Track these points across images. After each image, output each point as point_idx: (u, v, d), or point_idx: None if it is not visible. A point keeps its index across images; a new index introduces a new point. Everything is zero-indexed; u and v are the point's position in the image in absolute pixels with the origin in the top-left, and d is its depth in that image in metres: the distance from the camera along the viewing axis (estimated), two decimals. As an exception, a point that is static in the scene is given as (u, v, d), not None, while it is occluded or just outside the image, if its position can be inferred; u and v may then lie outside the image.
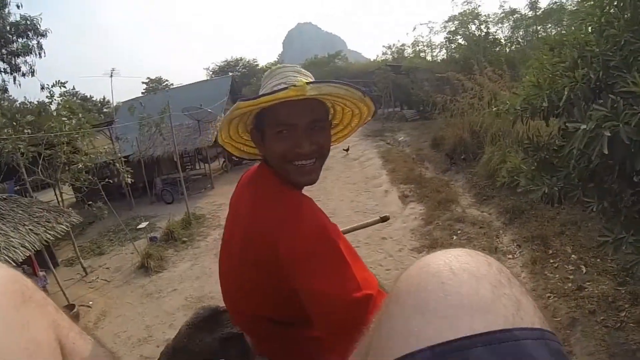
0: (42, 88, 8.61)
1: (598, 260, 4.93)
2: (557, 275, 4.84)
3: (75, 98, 45.10)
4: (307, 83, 0.95)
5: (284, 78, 1.05)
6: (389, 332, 0.37)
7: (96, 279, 8.01)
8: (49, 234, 6.13)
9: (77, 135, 8.09)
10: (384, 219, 2.16)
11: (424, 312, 0.35)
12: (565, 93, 2.57)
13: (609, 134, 2.07)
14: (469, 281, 0.36)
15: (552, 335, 0.34)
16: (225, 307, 1.33)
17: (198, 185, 14.01)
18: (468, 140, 10.36)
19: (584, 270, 4.81)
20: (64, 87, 8.29)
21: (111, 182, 8.93)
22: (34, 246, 5.75)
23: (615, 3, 2.63)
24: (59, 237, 6.68)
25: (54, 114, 7.52)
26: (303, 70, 1.12)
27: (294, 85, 0.93)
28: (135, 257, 8.36)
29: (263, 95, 0.95)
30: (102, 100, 43.85)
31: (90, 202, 8.28)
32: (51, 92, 8.46)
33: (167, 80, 43.96)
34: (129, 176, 8.41)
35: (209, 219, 10.08)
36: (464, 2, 19.17)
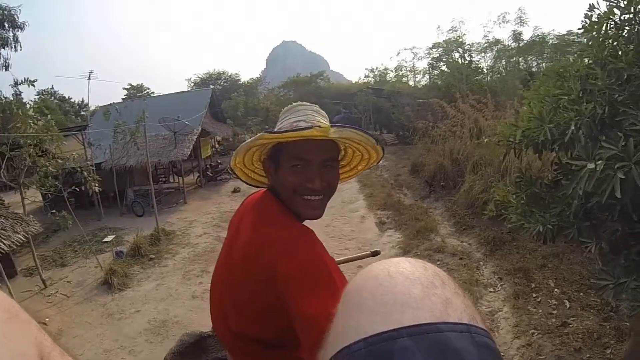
0: (16, 84, 8.04)
1: (581, 294, 4.88)
2: (541, 310, 4.76)
3: (53, 98, 44.10)
4: (331, 126, 1.03)
5: (304, 116, 1.12)
6: (333, 330, 0.40)
7: (55, 293, 7.50)
8: (3, 243, 5.67)
9: (44, 138, 7.61)
10: (375, 254, 2.16)
11: (361, 309, 0.37)
12: (572, 127, 2.40)
13: (622, 176, 1.91)
14: (403, 282, 0.38)
15: (481, 331, 0.36)
16: (209, 333, 1.37)
17: (170, 199, 13.55)
18: (448, 168, 10.30)
19: (568, 305, 4.74)
20: (33, 85, 7.81)
21: (77, 189, 8.38)
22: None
23: (619, 35, 2.51)
24: (14, 247, 6.18)
25: (20, 113, 7.01)
26: (321, 110, 1.19)
27: (319, 127, 1.00)
28: (99, 271, 7.89)
29: (289, 131, 1.02)
30: (80, 102, 42.85)
31: (54, 211, 7.78)
32: (17, 91, 7.99)
33: (148, 89, 43.27)
34: (97, 185, 7.89)
35: (179, 236, 9.66)
36: (450, 30, 19.43)
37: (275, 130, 1.12)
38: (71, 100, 43.78)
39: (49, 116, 8.08)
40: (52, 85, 46.10)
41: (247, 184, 1.37)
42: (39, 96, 43.66)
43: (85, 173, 7.68)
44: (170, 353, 1.36)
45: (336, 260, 1.78)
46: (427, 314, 0.35)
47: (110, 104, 14.95)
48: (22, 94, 8.09)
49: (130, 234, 9.70)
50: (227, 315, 1.19)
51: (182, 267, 7.74)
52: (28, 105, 7.32)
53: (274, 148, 1.14)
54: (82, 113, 21.18)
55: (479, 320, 0.37)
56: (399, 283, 0.38)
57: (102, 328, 6.13)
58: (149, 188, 10.87)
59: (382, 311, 0.36)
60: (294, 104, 1.22)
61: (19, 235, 6.09)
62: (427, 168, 11.25)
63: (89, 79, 11.95)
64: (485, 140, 3.73)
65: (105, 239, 9.41)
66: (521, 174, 3.51)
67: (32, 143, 7.53)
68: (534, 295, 5.12)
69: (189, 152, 13.52)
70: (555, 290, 5.12)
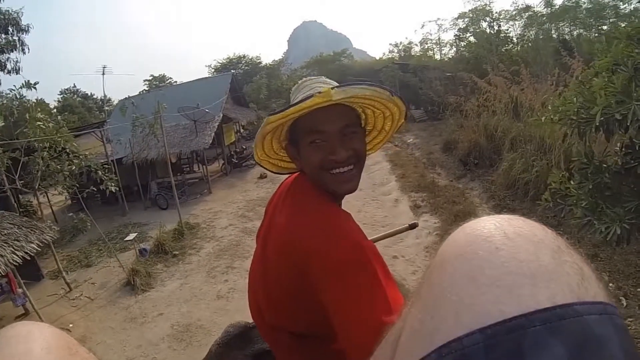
0: (23, 86, 7.74)
1: (638, 289, 4.45)
2: (595, 310, 4.22)
3: (75, 96, 44.70)
4: (332, 88, 0.93)
5: (310, 90, 1.05)
6: (433, 304, 0.33)
7: (80, 296, 7.29)
8: (17, 254, 5.41)
9: (58, 140, 7.32)
10: (413, 226, 1.98)
11: (477, 281, 0.30)
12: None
13: None
14: (527, 246, 0.31)
15: (614, 309, 0.31)
16: (254, 324, 1.32)
17: (195, 189, 13.23)
18: (484, 145, 9.71)
19: (625, 303, 4.29)
20: (35, 88, 7.48)
21: (95, 190, 8.04)
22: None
23: None
24: (29, 257, 5.91)
25: (27, 117, 6.74)
26: (329, 80, 1.12)
27: (319, 92, 0.92)
28: (122, 271, 7.63)
29: (290, 105, 0.95)
30: (102, 98, 43.16)
31: (71, 214, 7.55)
32: (19, 95, 7.68)
33: (170, 78, 42.96)
34: (113, 184, 7.54)
35: (204, 229, 9.31)
36: (476, -3, 18.48)
37: None
38: (94, 96, 44.20)
39: (59, 117, 7.77)
40: (74, 84, 46.70)
41: (279, 173, 1.30)
42: (61, 95, 44.50)
43: (100, 172, 7.29)
44: (215, 344, 1.33)
45: (373, 237, 1.68)
46: (566, 289, 0.29)
47: (126, 98, 14.75)
48: (20, 98, 7.80)
49: (154, 229, 9.46)
50: (260, 306, 1.15)
51: (206, 263, 7.41)
52: (32, 110, 6.91)
53: (291, 130, 1.09)
54: (106, 108, 21.13)
55: (607, 292, 0.31)
56: (522, 247, 0.31)
57: (125, 334, 5.87)
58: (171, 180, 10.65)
59: (507, 284, 0.29)
60: (300, 81, 1.16)
61: (32, 245, 5.81)
62: (461, 145, 10.67)
63: (103, 74, 11.75)
64: (543, 119, 3.14)
65: (127, 237, 9.16)
66: (586, 159, 2.95)
67: (45, 146, 7.29)
68: None
69: (211, 140, 13.13)
70: (610, 285, 4.63)
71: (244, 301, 5.72)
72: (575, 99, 2.93)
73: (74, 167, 7.64)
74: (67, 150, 7.81)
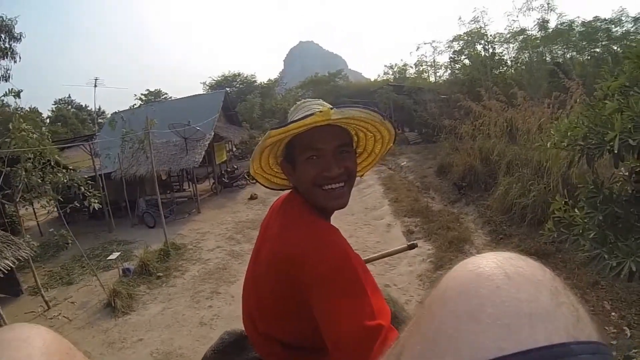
0: (13, 95, 7.50)
1: None
2: (599, 342, 4.03)
3: (69, 107, 44.47)
4: (331, 108, 1.02)
5: (308, 110, 1.09)
6: (434, 337, 0.34)
7: (58, 316, 6.92)
8: (-12, 272, 5.12)
9: (42, 151, 7.05)
10: (412, 247, 2.01)
11: (478, 319, 0.31)
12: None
13: None
14: (526, 287, 0.33)
15: (607, 349, 0.32)
16: None
17: (184, 208, 12.93)
18: (479, 169, 9.53)
19: (628, 334, 4.09)
20: (18, 97, 7.27)
21: (78, 205, 7.68)
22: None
23: None
24: (3, 273, 5.61)
25: (10, 127, 6.49)
26: (325, 103, 1.15)
27: (320, 111, 1.00)
28: (104, 291, 7.27)
29: (292, 122, 1.01)
30: (97, 110, 42.94)
31: (52, 229, 7.22)
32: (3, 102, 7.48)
33: (166, 94, 42.87)
34: (97, 201, 7.20)
35: (190, 250, 8.99)
36: (472, 20, 18.57)
37: None
38: (88, 108, 43.95)
39: (43, 128, 7.51)
40: (69, 94, 46.51)
41: (271, 188, 1.36)
42: (56, 105, 44.25)
43: (83, 188, 6.96)
44: (210, 350, 1.34)
45: (370, 257, 1.86)
46: (562, 330, 0.30)
47: (116, 112, 14.59)
48: (6, 105, 7.59)
49: (140, 248, 9.08)
50: (252, 315, 1.19)
51: (191, 287, 7.09)
52: (15, 120, 6.65)
53: (287, 148, 1.14)
54: (100, 121, 20.94)
55: (600, 333, 0.33)
56: (522, 287, 0.33)
57: (101, 360, 5.52)
58: (161, 198, 10.34)
59: (507, 323, 0.30)
60: (298, 102, 1.21)
61: (7, 261, 5.52)
62: (456, 169, 10.51)
63: (95, 85, 11.59)
64: (548, 144, 2.95)
65: (110, 257, 8.81)
66: (595, 188, 2.76)
67: (29, 157, 7.02)
68: None
69: (201, 159, 12.88)
70: (613, 314, 4.44)
71: (228, 329, 5.47)
72: (582, 122, 2.76)
73: (57, 180, 7.33)
74: (52, 163, 7.51)
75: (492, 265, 0.35)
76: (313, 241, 0.97)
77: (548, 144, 2.94)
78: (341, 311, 0.84)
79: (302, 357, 1.09)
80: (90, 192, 7.05)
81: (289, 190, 1.24)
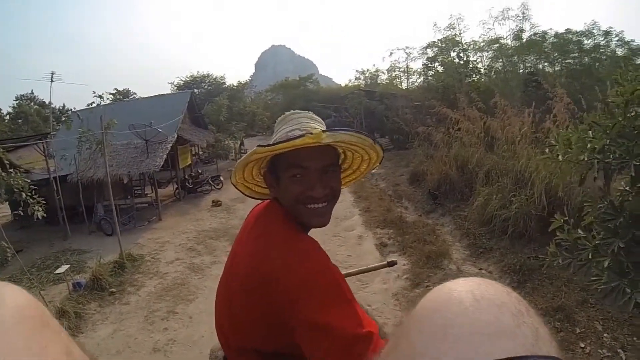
0: None
1: (635, 339, 4.02)
2: (592, 367, 3.83)
3: (32, 103, 42.52)
4: (323, 131, 1.00)
5: (297, 124, 1.12)
6: (410, 354, 0.37)
7: (-4, 337, 6.16)
8: None
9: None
10: (391, 264, 2.03)
11: (447, 337, 0.35)
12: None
13: None
14: (491, 309, 0.36)
15: None
16: None
17: (144, 214, 12.17)
18: (454, 177, 9.19)
19: (623, 357, 3.85)
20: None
21: (22, 212, 6.79)
22: None
23: None
24: None
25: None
26: (315, 116, 1.20)
27: (310, 133, 0.98)
28: (51, 308, 6.49)
29: (280, 142, 1.00)
30: (61, 107, 41.18)
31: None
32: None
33: (134, 94, 41.45)
34: (40, 209, 6.35)
35: (148, 262, 8.26)
36: (447, 27, 18.55)
37: (272, 141, 1.09)
38: (52, 105, 42.12)
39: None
40: (32, 90, 44.54)
41: (252, 197, 1.35)
42: (17, 101, 42.27)
43: (25, 194, 6.13)
44: None
45: (351, 271, 1.95)
46: (520, 346, 0.33)
47: (71, 111, 13.73)
48: None
49: (95, 258, 8.32)
50: (226, 332, 1.16)
51: (145, 305, 6.40)
52: None
53: (272, 160, 1.13)
54: (63, 118, 19.85)
55: (560, 351, 0.36)
56: (486, 309, 0.36)
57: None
58: (119, 203, 9.66)
59: (472, 340, 0.34)
60: (287, 113, 1.22)
61: None
62: (430, 177, 10.13)
63: (51, 80, 10.78)
64: (560, 157, 2.53)
65: (58, 270, 8.00)
66: (612, 209, 2.35)
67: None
68: (581, 345, 4.08)
69: (162, 162, 12.16)
70: (605, 335, 4.14)
71: (184, 357, 4.76)
72: (598, 133, 2.35)
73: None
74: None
75: (461, 289, 0.38)
76: (291, 253, 0.96)
77: (560, 157, 2.52)
78: (327, 320, 0.83)
79: None
80: (33, 199, 6.24)
81: (268, 200, 1.23)
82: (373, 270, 2.11)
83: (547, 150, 2.69)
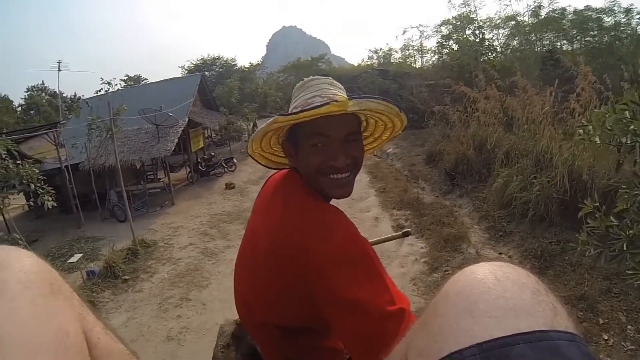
0: None
1: None
2: (616, 360, 3.59)
3: (43, 94, 42.63)
4: (349, 98, 0.96)
5: (318, 91, 1.07)
6: (438, 330, 0.39)
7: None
8: None
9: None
10: (406, 234, 2.06)
11: (473, 313, 0.37)
12: None
13: None
14: (512, 288, 0.39)
15: (582, 339, 0.37)
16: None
17: (157, 199, 12.13)
18: (472, 158, 8.93)
19: None
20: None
21: (33, 204, 6.71)
22: None
23: None
24: None
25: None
26: (335, 82, 1.13)
27: (336, 101, 0.93)
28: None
29: (304, 110, 0.95)
30: (72, 97, 41.21)
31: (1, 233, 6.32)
32: None
33: (146, 79, 41.32)
34: (50, 199, 6.28)
35: (161, 248, 8.20)
36: (462, 4, 17.99)
37: (290, 108, 1.09)
38: (63, 94, 42.11)
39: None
40: (43, 81, 44.55)
41: (268, 167, 1.31)
42: (28, 92, 42.37)
43: (34, 185, 6.04)
44: (217, 348, 1.23)
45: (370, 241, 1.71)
46: (540, 321, 0.36)
47: (81, 99, 13.64)
48: None
49: (108, 245, 8.29)
50: (248, 302, 1.13)
51: (159, 292, 6.34)
52: None
53: (291, 129, 1.08)
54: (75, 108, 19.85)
55: (577, 328, 0.38)
56: (509, 288, 0.38)
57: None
58: (132, 189, 9.60)
59: (496, 315, 0.36)
60: (306, 79, 1.14)
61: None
62: (447, 157, 9.90)
63: (58, 70, 10.65)
64: (597, 139, 2.32)
65: (71, 259, 7.98)
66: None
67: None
68: (605, 337, 3.88)
69: (174, 146, 12.10)
70: (629, 327, 3.94)
71: (197, 345, 4.67)
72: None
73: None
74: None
75: (485, 271, 0.41)
76: (318, 225, 0.92)
77: (597, 139, 2.30)
78: (359, 295, 0.80)
79: (301, 341, 1.04)
80: (43, 189, 6.16)
81: (286, 170, 1.20)
82: (389, 240, 2.13)
83: (580, 132, 2.46)
